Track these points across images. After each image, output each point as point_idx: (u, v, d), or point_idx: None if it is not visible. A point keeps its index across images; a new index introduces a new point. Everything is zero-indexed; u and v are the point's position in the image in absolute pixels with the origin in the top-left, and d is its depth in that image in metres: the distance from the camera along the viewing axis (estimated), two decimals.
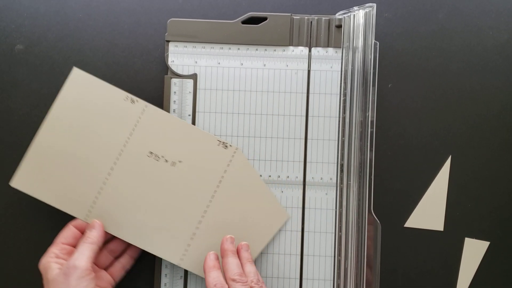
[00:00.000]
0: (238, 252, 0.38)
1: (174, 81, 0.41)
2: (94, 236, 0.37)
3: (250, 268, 0.36)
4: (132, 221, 0.38)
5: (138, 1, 0.43)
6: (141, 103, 0.39)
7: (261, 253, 0.40)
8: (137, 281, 0.42)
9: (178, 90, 0.41)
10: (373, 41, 0.39)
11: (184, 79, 0.41)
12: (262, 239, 0.40)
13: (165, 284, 0.40)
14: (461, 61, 0.42)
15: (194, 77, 0.41)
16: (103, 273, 0.39)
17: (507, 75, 0.42)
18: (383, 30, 0.43)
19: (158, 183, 0.39)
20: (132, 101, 0.39)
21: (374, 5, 0.39)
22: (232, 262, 0.36)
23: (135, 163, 0.39)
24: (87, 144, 0.39)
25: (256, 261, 0.40)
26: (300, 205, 0.41)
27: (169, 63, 0.41)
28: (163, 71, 0.42)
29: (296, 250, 0.41)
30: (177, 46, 0.41)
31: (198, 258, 0.39)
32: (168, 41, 0.41)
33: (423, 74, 0.42)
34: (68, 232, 0.38)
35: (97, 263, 0.39)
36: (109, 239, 0.39)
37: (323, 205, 0.41)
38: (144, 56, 0.42)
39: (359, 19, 0.40)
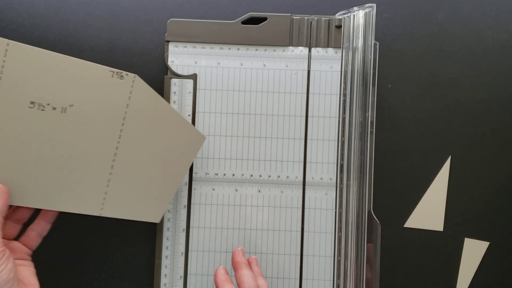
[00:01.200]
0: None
1: (174, 81, 0.41)
2: None
3: (262, 281, 0.36)
4: (36, 185, 0.33)
5: (138, 1, 0.43)
6: (1, 42, 0.31)
7: (261, 253, 0.40)
8: (136, 281, 0.42)
9: (178, 90, 0.41)
10: (373, 41, 0.39)
11: (184, 79, 0.41)
12: (182, 167, 0.38)
13: (165, 284, 0.40)
14: (461, 61, 0.42)
15: (194, 77, 0.41)
16: (16, 244, 0.35)
17: (506, 75, 0.42)
18: (383, 30, 0.43)
19: (52, 136, 0.33)
20: None
21: (374, 5, 0.39)
22: (247, 275, 0.35)
23: (17, 119, 0.31)
24: None
25: None
26: (300, 205, 0.41)
27: (169, 63, 0.41)
28: (163, 71, 0.42)
29: (296, 250, 0.41)
30: (177, 46, 0.41)
31: (119, 203, 0.36)
32: (168, 41, 0.41)
33: (423, 75, 0.42)
34: None
35: (4, 235, 0.34)
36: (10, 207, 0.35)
37: (322, 205, 0.41)
38: (144, 56, 0.42)
39: (359, 19, 0.40)
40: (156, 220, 0.38)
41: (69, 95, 0.33)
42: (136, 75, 0.35)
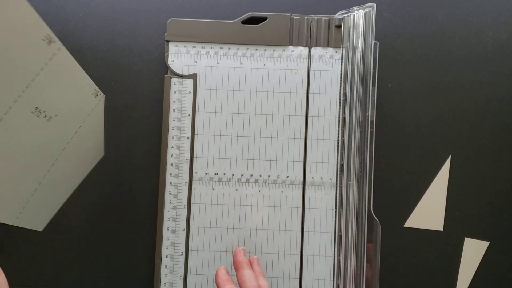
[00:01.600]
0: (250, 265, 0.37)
1: (174, 81, 0.41)
2: None
3: (263, 281, 0.36)
4: None
5: (138, 1, 0.43)
6: (54, 45, 0.28)
7: (261, 252, 0.40)
8: (136, 281, 0.42)
9: (178, 90, 0.41)
10: (373, 41, 0.39)
11: (184, 79, 0.41)
12: (77, 180, 0.39)
13: (165, 284, 0.40)
14: (461, 61, 0.42)
15: (194, 77, 0.41)
16: None
17: (507, 75, 0.42)
18: (383, 30, 0.43)
19: (22, 142, 0.30)
20: (50, 42, 0.27)
21: (374, 5, 0.39)
22: (248, 274, 0.35)
23: (18, 120, 0.28)
24: None
25: None
26: (300, 205, 0.41)
27: (169, 63, 0.41)
28: (163, 71, 0.42)
29: (296, 250, 0.41)
30: (177, 46, 0.41)
31: (35, 213, 0.35)
32: (168, 41, 0.41)
33: (423, 74, 0.42)
34: None
35: None
36: None
37: (322, 205, 0.41)
38: (144, 56, 0.42)
39: (359, 19, 0.40)
40: (39, 228, 0.37)
41: (61, 104, 0.31)
42: (104, 96, 0.34)
